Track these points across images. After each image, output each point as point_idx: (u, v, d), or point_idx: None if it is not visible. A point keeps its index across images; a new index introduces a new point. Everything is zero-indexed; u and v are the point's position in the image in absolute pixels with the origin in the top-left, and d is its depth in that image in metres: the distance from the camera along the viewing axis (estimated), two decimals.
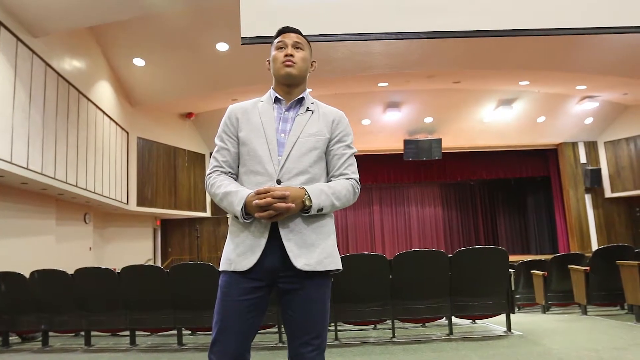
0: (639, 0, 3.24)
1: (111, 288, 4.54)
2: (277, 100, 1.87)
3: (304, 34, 2.11)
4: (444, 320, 4.58)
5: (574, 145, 14.39)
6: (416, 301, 4.32)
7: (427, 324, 4.94)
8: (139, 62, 9.07)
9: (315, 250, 1.71)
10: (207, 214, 12.96)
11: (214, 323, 1.71)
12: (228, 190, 1.73)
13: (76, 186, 7.87)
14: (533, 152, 15.05)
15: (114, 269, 4.72)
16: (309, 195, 1.68)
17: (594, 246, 13.81)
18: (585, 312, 5.45)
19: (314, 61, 1.99)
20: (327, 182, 1.84)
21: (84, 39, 8.28)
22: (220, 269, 1.75)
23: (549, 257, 6.50)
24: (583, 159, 14.34)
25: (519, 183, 16.94)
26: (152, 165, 11.15)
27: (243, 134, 1.81)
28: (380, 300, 4.30)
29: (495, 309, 4.37)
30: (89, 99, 8.46)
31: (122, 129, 10.10)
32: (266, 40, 2.96)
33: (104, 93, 9.13)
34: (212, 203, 13.09)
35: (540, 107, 12.82)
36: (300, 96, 1.89)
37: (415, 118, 12.89)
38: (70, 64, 7.90)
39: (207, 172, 1.86)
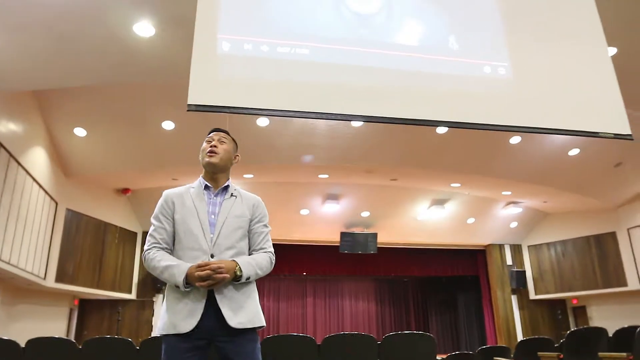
0: (547, 107, 3.65)
1: None
2: (206, 187, 2.26)
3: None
4: None
5: (501, 247, 15.12)
6: None
7: None
8: (80, 132, 8.93)
9: (245, 311, 2.04)
10: (132, 296, 12.22)
11: None
12: (169, 264, 2.04)
13: None
14: (463, 251, 15.63)
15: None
16: (239, 267, 2.04)
17: None
18: None
19: (237, 155, 2.44)
20: (250, 254, 2.22)
21: (25, 102, 8.11)
22: (162, 333, 2.06)
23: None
24: (509, 260, 15.03)
25: (450, 281, 17.33)
26: (78, 239, 10.56)
27: (178, 216, 2.16)
28: None
29: None
30: (19, 164, 8.12)
31: (51, 198, 9.65)
32: (211, 109, 3.08)
33: (37, 159, 8.81)
34: (139, 285, 12.40)
35: (470, 209, 13.56)
36: (226, 184, 2.29)
37: (352, 211, 13.21)
38: (6, 126, 7.66)
39: (146, 247, 2.19)
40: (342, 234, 13.54)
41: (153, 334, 12.14)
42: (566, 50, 3.72)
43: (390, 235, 14.18)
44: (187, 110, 3.18)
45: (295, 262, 14.22)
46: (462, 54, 3.50)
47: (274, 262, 2.25)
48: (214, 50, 3.10)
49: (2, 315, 9.16)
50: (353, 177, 11.51)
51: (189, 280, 1.97)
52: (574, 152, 10.16)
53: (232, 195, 2.27)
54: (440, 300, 18.08)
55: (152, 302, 12.39)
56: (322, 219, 13.41)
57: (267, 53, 3.19)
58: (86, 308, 11.98)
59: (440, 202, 13.13)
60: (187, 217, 2.14)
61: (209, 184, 2.26)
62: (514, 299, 14.63)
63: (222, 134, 2.35)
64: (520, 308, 14.55)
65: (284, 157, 9.99)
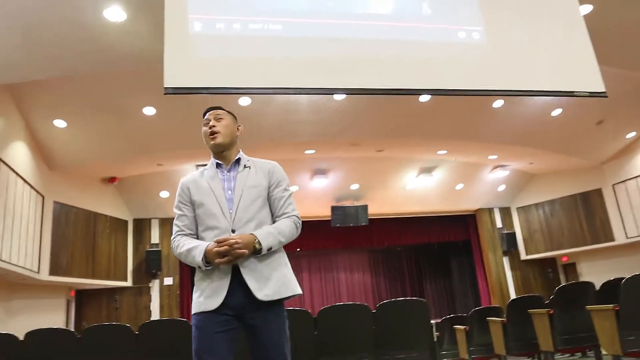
0: (522, 69, 3.67)
1: (13, 356, 4.13)
2: (218, 165, 2.26)
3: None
4: None
5: (490, 210, 15.32)
6: (341, 356, 4.27)
7: None
8: (60, 123, 8.80)
9: (271, 283, 2.05)
10: (128, 283, 12.27)
11: (194, 358, 2.00)
12: (189, 247, 2.07)
13: None
14: (454, 217, 15.81)
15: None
16: (258, 240, 2.03)
17: None
18: None
19: (239, 125, 2.43)
20: (273, 222, 2.22)
21: (0, 97, 7.98)
22: (193, 312, 2.07)
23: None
24: (499, 223, 15.25)
25: (443, 247, 17.57)
26: (68, 232, 10.52)
27: (196, 198, 2.18)
28: (305, 356, 4.22)
29: None
30: (1, 160, 8.02)
31: (37, 192, 9.56)
32: (189, 91, 3.06)
33: (19, 154, 8.70)
34: (134, 272, 12.44)
35: (458, 175, 13.66)
36: (237, 157, 2.28)
37: (341, 185, 13.25)
38: None
39: (172, 237, 2.23)
40: (333, 208, 13.62)
41: (152, 319, 12.25)
42: (539, 11, 3.72)
43: (380, 206, 14.28)
44: (165, 94, 3.15)
45: None
46: (436, 20, 3.48)
47: (299, 225, 2.25)
48: (185, 30, 3.06)
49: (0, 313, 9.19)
50: (339, 150, 11.51)
51: (208, 259, 1.99)
52: (557, 112, 10.23)
53: (245, 166, 2.25)
54: (434, 266, 18.36)
55: (149, 288, 12.45)
56: (312, 195, 13.45)
57: (240, 31, 3.15)
58: (83, 298, 12.02)
59: (427, 170, 13.20)
60: (203, 198, 2.15)
61: (219, 162, 2.26)
62: (505, 260, 14.90)
63: (216, 111, 2.34)
64: (512, 269, 14.83)
65: (269, 136, 9.95)
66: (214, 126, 2.25)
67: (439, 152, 12.24)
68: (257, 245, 2.00)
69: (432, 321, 4.85)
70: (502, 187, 14.60)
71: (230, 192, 2.16)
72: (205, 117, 2.33)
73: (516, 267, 14.86)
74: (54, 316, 10.81)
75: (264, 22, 3.10)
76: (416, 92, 3.66)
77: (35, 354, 4.10)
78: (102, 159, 10.31)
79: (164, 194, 12.15)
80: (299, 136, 10.18)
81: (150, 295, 12.38)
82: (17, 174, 8.65)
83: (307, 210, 14.15)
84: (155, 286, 12.50)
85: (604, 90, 3.77)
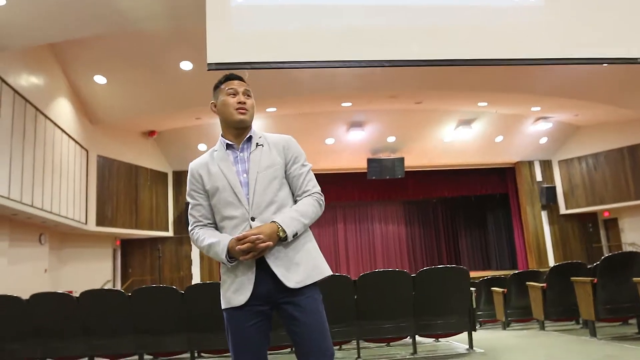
0: (581, 34, 3.43)
1: (69, 313, 4.39)
2: (228, 146, 2.05)
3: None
4: (408, 339, 4.63)
5: (530, 164, 14.93)
6: (381, 321, 4.36)
7: (391, 344, 4.98)
8: (100, 79, 8.91)
9: (301, 268, 1.91)
10: (170, 233, 12.73)
11: (231, 354, 1.94)
12: (211, 242, 1.93)
13: (31, 206, 7.60)
14: (492, 170, 15.51)
15: (71, 292, 4.58)
16: (282, 228, 1.86)
17: (551, 261, 14.27)
18: (543, 328, 5.62)
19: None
20: (294, 201, 2.03)
21: (42, 56, 8.08)
22: (222, 307, 1.98)
23: (509, 273, 6.69)
24: (539, 177, 14.88)
25: (479, 200, 17.37)
26: (112, 184, 10.89)
27: (209, 187, 1.99)
28: (346, 320, 4.33)
29: (458, 327, 4.45)
30: (46, 117, 8.23)
31: (82, 147, 9.85)
32: (233, 66, 2.98)
33: (62, 111, 8.91)
34: (174, 222, 12.86)
35: (498, 127, 13.27)
36: (248, 135, 2.05)
37: (378, 137, 13.09)
38: (28, 81, 7.69)
39: (189, 228, 2.07)
40: (369, 160, 13.54)
41: (192, 267, 12.77)
42: None
43: (417, 158, 14.11)
44: (208, 70, 3.09)
45: (324, 191, 14.29)
46: None
47: (322, 203, 2.04)
48: (228, 2, 2.96)
49: (52, 260, 9.73)
50: (377, 103, 11.29)
51: (231, 254, 1.87)
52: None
53: (257, 145, 2.03)
54: (469, 220, 18.24)
55: (189, 238, 12.86)
56: (348, 147, 13.38)
57: (283, 0, 3.03)
58: (128, 248, 12.58)
59: (467, 122, 12.85)
60: (217, 185, 1.96)
61: (230, 142, 2.04)
62: (543, 214, 14.64)
63: (244, 84, 2.09)
64: (550, 223, 14.59)
65: (306, 89, 9.82)
66: (244, 102, 2.02)
67: (480, 104, 11.85)
68: (281, 234, 1.85)
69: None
70: (543, 140, 14.13)
71: (245, 175, 1.97)
72: (229, 86, 2.05)
73: (555, 221, 14.61)
74: (102, 264, 11.40)
75: None
76: (464, 62, 3.47)
77: (88, 312, 4.34)
78: (141, 114, 10.45)
79: (202, 147, 12.31)
80: (337, 89, 10.00)
81: (190, 245, 12.83)
82: (63, 130, 8.89)
83: (343, 162, 14.13)
84: None
85: None
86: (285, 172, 2.02)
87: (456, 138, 13.38)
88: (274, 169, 1.98)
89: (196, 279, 12.66)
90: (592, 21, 3.51)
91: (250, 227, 1.89)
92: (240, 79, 2.12)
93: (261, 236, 1.81)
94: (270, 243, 1.83)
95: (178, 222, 12.84)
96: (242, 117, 2.01)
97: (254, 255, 1.82)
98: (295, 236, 1.91)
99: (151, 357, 4.82)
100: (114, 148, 11.00)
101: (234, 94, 2.04)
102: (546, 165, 14.94)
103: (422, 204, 18.30)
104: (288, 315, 1.90)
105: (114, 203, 10.92)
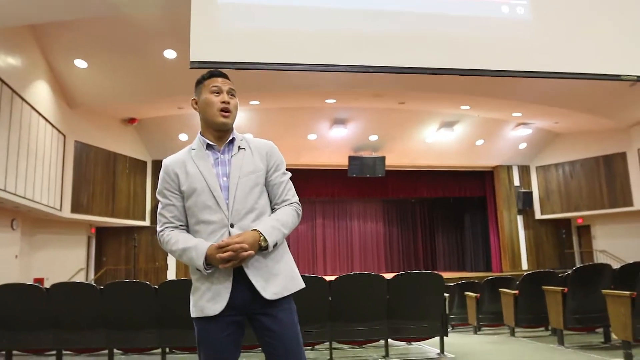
0: (567, 49, 3.47)
1: (38, 305, 4.30)
2: (208, 146, 1.93)
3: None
4: (380, 342, 4.66)
5: (509, 168, 15.16)
6: (354, 323, 4.37)
7: (364, 346, 5.01)
8: (80, 63, 8.72)
9: (278, 279, 1.85)
10: (147, 223, 12.58)
11: None
12: (186, 247, 1.81)
13: (4, 190, 7.42)
14: (471, 173, 15.70)
15: (42, 280, 4.48)
16: (264, 237, 1.79)
17: (524, 265, 14.55)
18: (513, 334, 5.72)
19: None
20: (272, 209, 1.95)
21: (22, 37, 7.87)
22: (193, 316, 1.86)
23: (483, 275, 6.79)
24: (517, 181, 15.13)
25: (457, 202, 17.57)
26: (89, 171, 10.70)
27: (185, 187, 1.87)
28: (319, 321, 4.33)
29: (430, 332, 4.50)
30: (23, 99, 8.03)
31: (59, 131, 9.64)
32: (216, 65, 2.94)
33: (40, 94, 8.70)
34: (152, 212, 12.71)
35: (479, 130, 13.42)
36: (231, 138, 1.95)
37: (360, 135, 13.13)
38: (5, 61, 7.48)
39: (159, 229, 1.93)
40: (351, 158, 13.57)
41: (168, 258, 12.64)
42: None
43: (398, 158, 14.19)
44: (190, 68, 3.05)
45: (305, 186, 14.37)
46: None
47: (300, 213, 1.99)
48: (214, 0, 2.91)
49: (24, 246, 9.53)
50: (361, 101, 11.30)
51: (209, 261, 1.77)
52: None
53: (239, 148, 1.94)
54: (447, 221, 18.46)
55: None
56: (330, 144, 13.38)
57: (271, 0, 2.99)
58: (103, 236, 12.40)
59: (449, 124, 12.97)
60: (195, 187, 1.85)
61: (211, 143, 1.93)
62: (519, 219, 14.90)
63: (228, 82, 1.98)
64: (526, 228, 14.86)
65: (290, 84, 9.77)
66: (228, 102, 1.91)
67: (463, 107, 11.97)
68: (262, 243, 1.78)
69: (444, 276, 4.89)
70: (523, 145, 14.35)
71: (225, 178, 1.87)
72: (214, 83, 1.94)
73: (530, 226, 14.88)
74: (76, 251, 11.21)
75: None
76: (452, 71, 3.48)
77: (58, 304, 4.26)
78: (122, 100, 10.28)
79: (183, 137, 12.17)
80: (322, 85, 9.97)
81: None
82: (39, 114, 8.68)
83: (325, 159, 14.13)
84: None
85: None
86: (266, 178, 1.95)
87: (438, 139, 13.49)
88: (256, 175, 1.91)
89: (172, 271, 12.55)
90: (578, 37, 3.56)
91: (229, 234, 1.81)
92: (224, 76, 2.01)
93: (245, 245, 1.73)
94: (252, 252, 1.75)
95: (156, 212, 12.64)
96: (224, 120, 1.91)
97: (233, 264, 1.75)
98: (275, 246, 1.84)
99: (121, 352, 4.77)
100: (92, 134, 10.80)
101: (217, 92, 1.93)
102: (524, 170, 15.19)
103: (401, 204, 18.45)
104: (263, 327, 1.84)
105: (91, 190, 10.74)
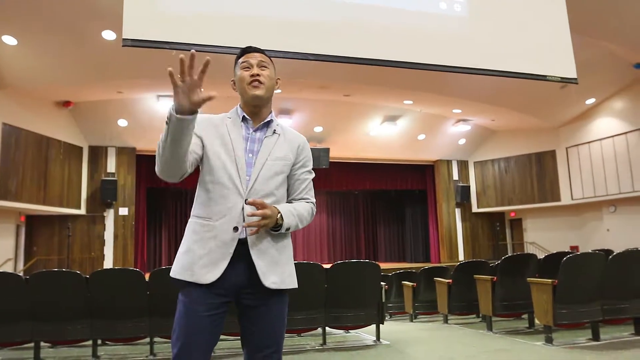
0: (499, 48, 3.61)
1: None
2: (244, 119, 1.88)
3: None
4: (318, 330, 4.72)
5: (449, 163, 15.69)
6: (292, 312, 4.38)
7: (302, 334, 5.05)
8: (9, 40, 8.19)
9: (279, 269, 1.79)
10: (82, 211, 12.06)
11: (174, 338, 1.71)
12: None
13: None
14: (413, 166, 16.13)
15: None
16: (281, 215, 1.74)
17: (461, 255, 15.15)
18: (446, 321, 5.95)
19: (278, 78, 2.00)
20: (289, 202, 1.91)
21: None
22: (179, 277, 1.73)
23: (421, 265, 6.99)
24: (456, 176, 15.69)
25: (399, 195, 18.01)
26: (18, 155, 10.09)
27: (209, 142, 1.80)
28: None
29: (367, 319, 4.60)
30: None
31: None
32: (150, 44, 2.86)
33: None
34: (87, 200, 12.19)
35: (421, 125, 13.78)
36: (268, 119, 1.90)
37: (305, 126, 13.13)
38: None
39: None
40: None
41: (105, 249, 12.20)
42: None
43: (342, 150, 14.34)
44: (122, 46, 2.94)
45: None
46: None
47: (314, 214, 1.95)
48: None
49: None
50: (306, 92, 11.30)
51: (180, 107, 1.54)
52: None
53: (274, 132, 1.89)
54: (388, 213, 18.89)
55: (103, 217, 12.28)
56: None
57: None
58: (34, 224, 11.77)
59: (392, 118, 13.24)
60: (221, 150, 1.80)
61: (247, 117, 1.88)
62: (457, 211, 15.47)
63: (259, 55, 1.91)
64: (463, 220, 15.45)
65: (230, 71, 9.61)
66: (258, 74, 1.84)
67: (406, 102, 12.24)
68: (279, 220, 1.72)
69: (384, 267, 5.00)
70: (462, 141, 14.88)
71: (251, 155, 1.82)
72: (244, 59, 1.89)
73: (467, 218, 15.49)
74: (3, 240, 10.58)
75: None
76: (390, 63, 3.55)
77: None
78: (56, 82, 9.75)
79: (122, 123, 11.73)
80: None
81: (104, 225, 12.24)
82: None
83: None
84: (109, 216, 12.35)
85: (575, 77, 3.79)
86: (291, 171, 1.91)
87: (381, 133, 13.74)
88: (283, 164, 1.86)
89: (108, 261, 12.11)
90: (510, 37, 3.71)
91: (242, 209, 1.74)
92: (256, 50, 1.94)
93: (269, 213, 1.67)
94: (269, 222, 1.69)
95: (92, 200, 12.19)
96: (254, 92, 1.83)
97: (259, 224, 1.67)
98: (287, 231, 1.80)
99: (49, 345, 4.58)
100: (22, 116, 10.18)
101: (248, 68, 1.88)
102: (463, 165, 15.77)
103: (344, 195, 18.68)
104: (249, 312, 1.78)
105: (20, 176, 10.15)
